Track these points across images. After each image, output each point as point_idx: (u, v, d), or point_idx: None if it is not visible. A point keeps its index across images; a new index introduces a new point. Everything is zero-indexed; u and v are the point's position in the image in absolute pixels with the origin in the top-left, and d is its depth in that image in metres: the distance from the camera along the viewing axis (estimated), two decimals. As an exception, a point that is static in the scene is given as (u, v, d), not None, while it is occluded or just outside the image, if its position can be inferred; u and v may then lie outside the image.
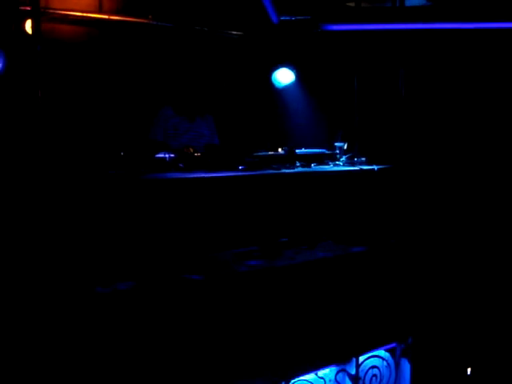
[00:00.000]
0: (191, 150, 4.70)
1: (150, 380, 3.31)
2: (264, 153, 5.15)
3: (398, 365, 4.62)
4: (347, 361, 4.27)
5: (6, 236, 3.29)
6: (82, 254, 3.48)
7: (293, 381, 3.95)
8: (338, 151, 5.50)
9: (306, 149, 5.43)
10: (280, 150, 5.29)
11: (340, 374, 4.24)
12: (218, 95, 6.39)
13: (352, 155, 5.45)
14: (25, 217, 3.38)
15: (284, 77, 6.60)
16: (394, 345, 4.59)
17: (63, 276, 3.34)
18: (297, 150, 5.26)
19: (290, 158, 5.12)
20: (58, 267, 3.35)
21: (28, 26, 5.29)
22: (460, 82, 6.00)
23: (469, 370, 5.12)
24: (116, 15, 5.95)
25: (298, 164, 5.10)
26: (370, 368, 4.43)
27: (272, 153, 5.22)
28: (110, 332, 3.21)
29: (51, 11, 5.57)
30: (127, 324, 3.27)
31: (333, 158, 5.43)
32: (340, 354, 4.23)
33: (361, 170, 5.08)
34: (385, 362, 4.54)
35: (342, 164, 5.35)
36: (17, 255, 3.28)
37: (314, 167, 5.17)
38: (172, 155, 4.75)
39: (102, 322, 3.21)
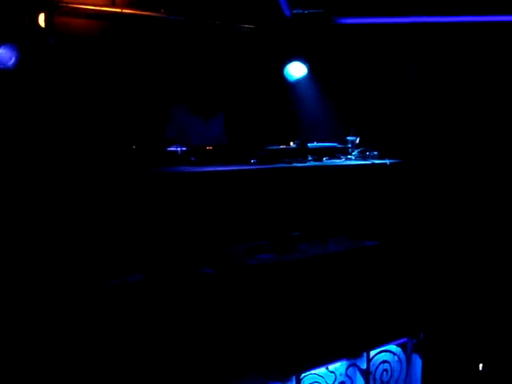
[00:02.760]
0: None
1: (164, 370, 3.33)
2: (276, 146, 5.15)
3: (409, 360, 4.60)
4: (358, 355, 4.26)
5: (23, 231, 3.32)
6: (95, 247, 3.50)
7: (304, 374, 3.95)
8: (350, 145, 5.48)
9: (317, 143, 5.41)
10: (292, 143, 5.28)
11: (351, 369, 4.23)
12: (230, 89, 6.38)
13: (364, 149, 5.42)
14: (40, 213, 3.41)
15: (296, 70, 6.59)
16: (405, 340, 4.57)
17: (78, 269, 3.36)
18: (309, 144, 5.25)
19: (301, 152, 5.11)
20: (73, 260, 3.38)
21: (41, 19, 5.32)
22: (474, 76, 5.94)
23: (480, 365, 5.10)
24: (129, 9, 5.95)
25: (309, 158, 5.08)
26: (380, 363, 4.41)
27: (284, 146, 5.21)
28: (123, 322, 3.24)
29: (64, 5, 5.58)
30: (140, 315, 3.29)
31: (345, 152, 5.41)
32: (351, 349, 4.22)
33: (373, 164, 5.06)
34: (396, 357, 4.52)
35: (353, 158, 5.33)
36: (34, 249, 3.32)
37: (325, 161, 5.15)
38: (184, 148, 4.75)
39: (116, 313, 3.23)
